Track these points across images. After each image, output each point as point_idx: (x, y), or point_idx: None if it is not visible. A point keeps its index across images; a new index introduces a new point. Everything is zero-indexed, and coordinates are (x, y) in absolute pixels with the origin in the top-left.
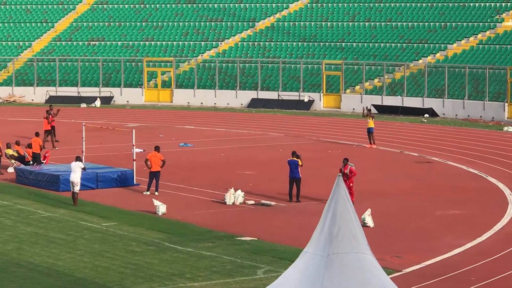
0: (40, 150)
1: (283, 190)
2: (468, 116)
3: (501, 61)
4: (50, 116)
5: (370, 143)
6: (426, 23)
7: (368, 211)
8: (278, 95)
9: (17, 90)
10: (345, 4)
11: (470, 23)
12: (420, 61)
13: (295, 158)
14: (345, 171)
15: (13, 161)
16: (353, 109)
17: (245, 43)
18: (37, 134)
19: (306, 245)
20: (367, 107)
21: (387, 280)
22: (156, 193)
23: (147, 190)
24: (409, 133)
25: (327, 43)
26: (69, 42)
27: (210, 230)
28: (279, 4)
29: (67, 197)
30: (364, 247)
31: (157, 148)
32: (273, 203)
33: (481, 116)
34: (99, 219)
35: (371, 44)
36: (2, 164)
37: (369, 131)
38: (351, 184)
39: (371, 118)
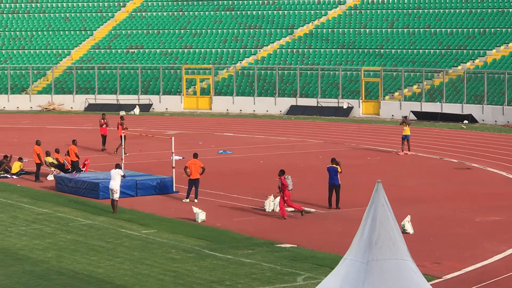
0: (77, 158)
1: (322, 197)
2: (508, 122)
3: None
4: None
5: (403, 150)
6: (465, 29)
7: (408, 218)
8: (317, 102)
9: (56, 98)
10: (384, 11)
11: (509, 29)
12: (459, 67)
13: (334, 165)
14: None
15: (52, 168)
16: (392, 115)
17: (283, 50)
18: (74, 142)
19: (346, 252)
20: (404, 116)
21: (428, 287)
22: (196, 201)
23: (187, 198)
24: (448, 140)
25: (365, 50)
26: (108, 50)
27: (249, 237)
28: (317, 11)
29: (107, 205)
30: (404, 253)
31: (195, 156)
32: (313, 210)
33: None
34: (138, 226)
35: (410, 50)
36: (42, 172)
37: (405, 138)
38: (285, 198)
39: (407, 126)
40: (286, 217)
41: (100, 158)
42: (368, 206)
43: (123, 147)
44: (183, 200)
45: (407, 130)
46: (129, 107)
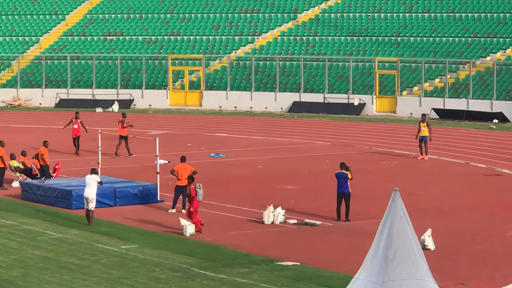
0: (46, 162)
1: (330, 208)
2: None
3: None
4: (125, 121)
5: (421, 153)
6: (495, 14)
7: (428, 232)
8: (324, 97)
9: (23, 93)
10: None
11: None
12: (488, 58)
13: (344, 171)
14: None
15: (18, 174)
16: (410, 113)
17: (285, 37)
18: (45, 143)
19: (358, 271)
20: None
21: None
22: (184, 211)
23: (173, 208)
24: (475, 141)
25: (380, 38)
26: (82, 37)
27: (246, 254)
28: None
29: (81, 216)
30: (425, 272)
31: (183, 159)
32: (318, 222)
33: None
34: (117, 241)
35: (431, 38)
36: (6, 178)
37: (422, 140)
38: (191, 209)
39: (425, 126)
40: (201, 231)
41: (73, 162)
42: (384, 218)
43: (127, 147)
44: (169, 211)
45: (425, 131)
46: (107, 103)
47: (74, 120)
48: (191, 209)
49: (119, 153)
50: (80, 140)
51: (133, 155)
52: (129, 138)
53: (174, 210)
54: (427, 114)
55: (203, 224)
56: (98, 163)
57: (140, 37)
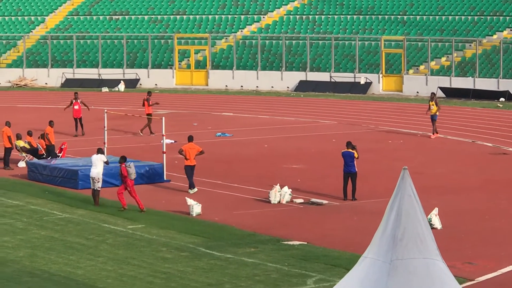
0: (52, 142)
1: (336, 187)
2: None
3: None
4: (150, 100)
5: (433, 132)
6: None
7: (435, 211)
8: (330, 76)
9: (29, 73)
10: None
11: None
12: (495, 36)
13: (350, 150)
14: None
15: (24, 154)
16: (417, 92)
17: (291, 16)
18: (50, 123)
19: (366, 250)
20: (432, 93)
21: None
22: (190, 191)
23: (192, 187)
24: (482, 120)
25: (386, 16)
26: (88, 17)
27: (252, 233)
28: None
29: (87, 196)
30: (433, 252)
31: (191, 138)
32: (325, 201)
33: None
34: (124, 220)
35: (437, 17)
36: (12, 158)
37: (432, 119)
38: (128, 189)
39: (434, 104)
40: (125, 207)
41: (79, 142)
42: (392, 197)
43: (149, 126)
44: (190, 191)
45: (434, 109)
46: (113, 83)
47: (74, 101)
48: (128, 189)
49: (154, 131)
50: (85, 120)
51: (154, 134)
52: (127, 117)
53: (195, 190)
54: (435, 93)
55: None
56: (104, 143)
57: (146, 17)
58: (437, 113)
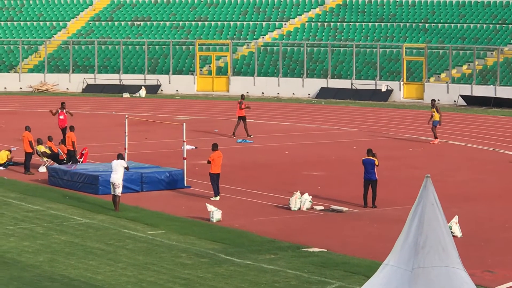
0: (73, 147)
1: (356, 194)
2: None
3: None
4: (243, 103)
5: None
6: None
7: (455, 219)
8: (351, 83)
9: (50, 78)
10: None
11: None
12: None
13: (371, 157)
14: None
15: (45, 159)
16: (438, 100)
17: (313, 23)
18: (72, 128)
19: (387, 257)
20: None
21: None
22: (215, 198)
23: (217, 195)
24: (503, 129)
25: (408, 24)
26: (109, 22)
27: (272, 240)
28: None
29: (107, 201)
30: (455, 260)
31: (216, 147)
32: (345, 208)
33: None
34: (144, 226)
35: (459, 25)
36: (33, 163)
37: (433, 125)
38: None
39: (435, 111)
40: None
41: (100, 148)
42: (415, 204)
43: (245, 128)
44: (212, 199)
45: (436, 116)
46: (134, 89)
47: (60, 110)
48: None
49: (236, 134)
50: (106, 126)
51: (251, 136)
52: (148, 123)
53: (218, 198)
54: (437, 100)
55: None
56: (125, 149)
57: (167, 23)
58: (439, 120)
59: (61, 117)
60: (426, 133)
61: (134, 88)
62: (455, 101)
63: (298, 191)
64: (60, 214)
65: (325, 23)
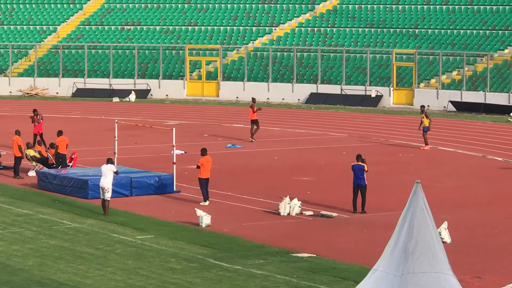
0: (63, 151)
1: (346, 199)
2: None
3: None
4: (255, 107)
5: (425, 144)
6: None
7: (445, 224)
8: (341, 89)
9: (40, 82)
10: None
11: None
12: (506, 51)
13: (360, 163)
14: None
15: (34, 163)
16: (428, 106)
17: (303, 28)
18: (60, 133)
19: (377, 263)
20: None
21: None
22: (204, 203)
23: (206, 200)
24: (493, 135)
25: (398, 30)
26: (99, 27)
27: (261, 245)
28: None
29: (97, 206)
30: (445, 266)
31: (205, 151)
32: (334, 214)
33: None
34: (133, 231)
35: (449, 30)
36: (22, 167)
37: (423, 131)
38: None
39: (424, 117)
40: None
41: (90, 152)
42: (405, 210)
43: (252, 132)
44: (201, 204)
45: (425, 121)
46: (124, 93)
47: (35, 117)
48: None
49: (255, 138)
50: (97, 130)
51: (254, 141)
52: (138, 128)
53: (207, 203)
54: (427, 106)
55: None
56: (115, 153)
57: (157, 27)
58: (429, 126)
59: (36, 123)
60: (416, 139)
61: (124, 93)
62: (444, 107)
63: (288, 196)
64: (50, 218)
65: (315, 29)
